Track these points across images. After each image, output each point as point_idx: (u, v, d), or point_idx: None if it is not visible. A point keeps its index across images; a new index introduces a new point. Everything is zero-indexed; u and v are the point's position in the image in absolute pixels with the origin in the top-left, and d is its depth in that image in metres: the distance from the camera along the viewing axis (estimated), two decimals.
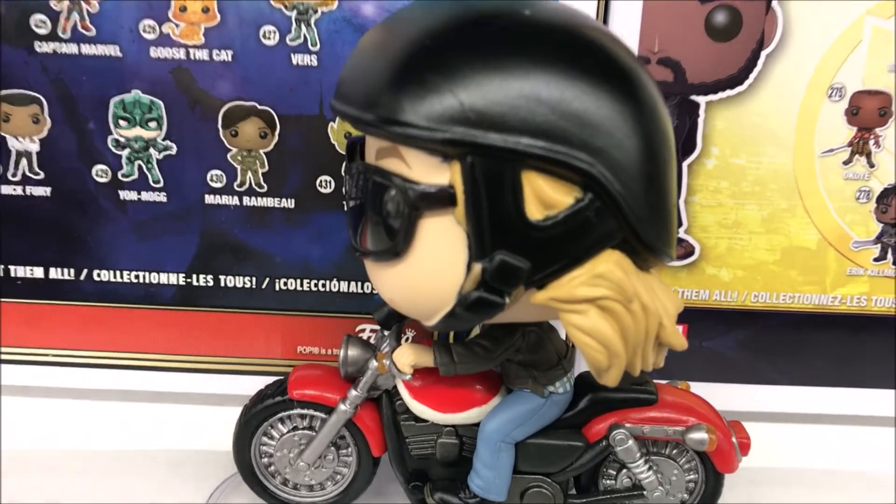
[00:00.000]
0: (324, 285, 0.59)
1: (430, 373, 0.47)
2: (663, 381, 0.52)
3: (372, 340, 0.59)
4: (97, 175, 0.56)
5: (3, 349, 0.59)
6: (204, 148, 0.56)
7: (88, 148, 0.56)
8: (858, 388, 0.62)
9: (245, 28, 0.54)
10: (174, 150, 0.56)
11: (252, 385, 0.59)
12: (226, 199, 0.57)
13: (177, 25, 0.53)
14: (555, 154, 0.35)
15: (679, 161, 0.56)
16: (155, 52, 0.54)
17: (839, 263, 0.59)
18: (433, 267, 0.38)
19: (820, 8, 0.54)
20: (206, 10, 0.53)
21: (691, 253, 0.59)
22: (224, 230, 0.57)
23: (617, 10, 0.55)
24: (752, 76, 0.55)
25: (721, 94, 0.56)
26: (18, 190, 0.56)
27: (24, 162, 0.56)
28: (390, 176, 0.37)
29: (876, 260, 0.59)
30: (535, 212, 0.36)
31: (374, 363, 0.48)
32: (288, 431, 0.51)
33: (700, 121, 0.56)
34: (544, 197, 0.36)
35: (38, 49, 0.54)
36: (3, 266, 0.58)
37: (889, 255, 0.59)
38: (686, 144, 0.57)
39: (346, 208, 0.44)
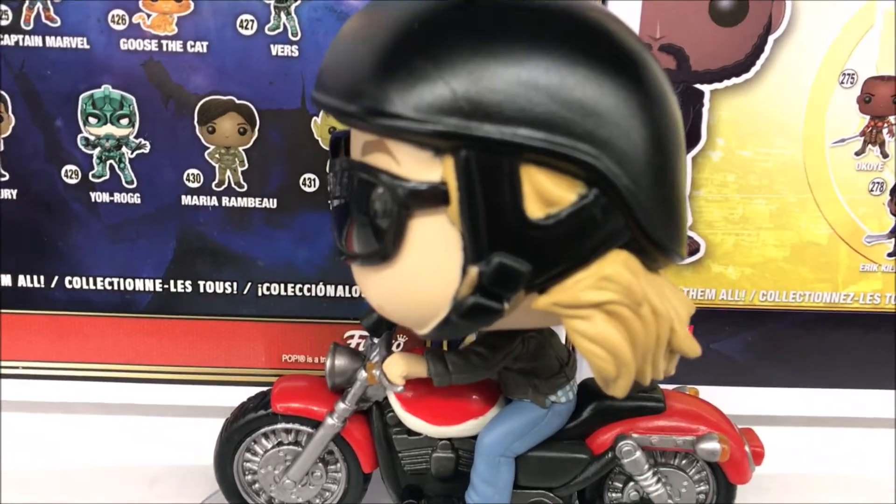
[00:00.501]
0: (309, 290, 0.56)
1: (424, 383, 0.44)
2: (670, 387, 0.49)
3: (361, 348, 0.57)
4: (66, 176, 0.53)
5: None
6: (179, 146, 0.53)
7: (56, 147, 0.53)
8: (871, 390, 0.59)
9: (220, 17, 0.51)
10: (148, 149, 0.53)
11: (233, 396, 0.56)
12: (203, 200, 0.54)
13: (148, 15, 0.50)
14: (556, 146, 0.32)
15: None
16: (125, 44, 0.51)
17: (851, 259, 0.57)
18: (425, 271, 0.35)
19: None
20: None
21: (697, 250, 0.56)
22: (202, 233, 0.54)
23: None
24: (759, 63, 0.53)
25: (727, 82, 0.53)
26: None
27: None
28: (377, 173, 0.34)
29: (890, 255, 0.56)
30: (535, 210, 0.33)
31: (363, 374, 0.45)
32: (272, 447, 0.48)
33: (705, 110, 0.54)
34: (545, 193, 0.33)
35: None
36: None
37: None
38: (690, 136, 0.54)
39: (330, 208, 0.41)
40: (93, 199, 0.53)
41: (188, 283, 0.55)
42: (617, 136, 0.33)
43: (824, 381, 0.59)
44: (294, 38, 0.51)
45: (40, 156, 0.53)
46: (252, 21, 0.51)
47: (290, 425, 0.47)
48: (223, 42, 0.51)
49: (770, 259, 0.57)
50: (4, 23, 0.50)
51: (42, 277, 0.55)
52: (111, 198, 0.53)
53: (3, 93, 0.51)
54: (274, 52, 0.51)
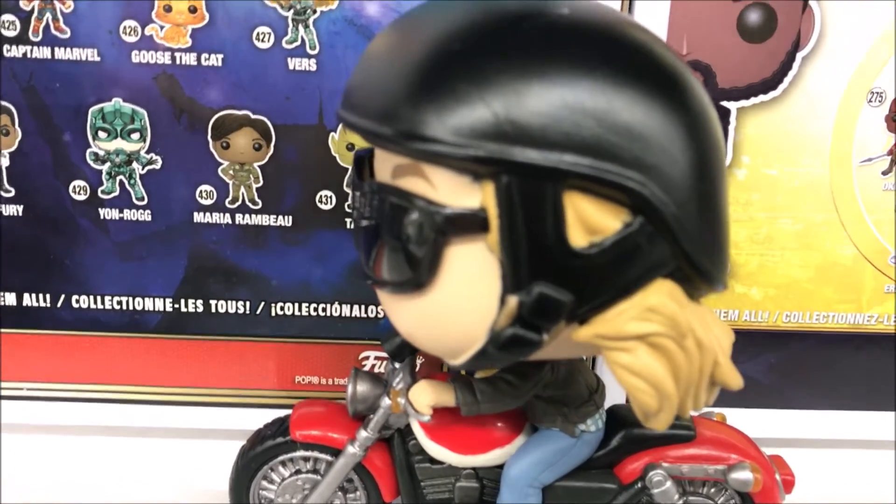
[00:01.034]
0: (324, 309, 0.54)
1: (448, 410, 0.42)
2: (695, 412, 0.48)
3: (376, 368, 0.55)
4: (74, 192, 0.51)
5: None
6: (192, 161, 0.51)
7: (64, 162, 0.51)
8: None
9: (236, 29, 0.49)
10: (159, 164, 0.51)
11: (245, 419, 0.55)
12: (216, 217, 0.52)
13: (161, 27, 0.49)
14: (603, 173, 0.31)
15: None
16: (137, 57, 0.49)
17: (876, 280, 0.56)
18: (461, 300, 0.34)
19: (859, 7, 0.50)
20: (193, 10, 0.49)
21: None
22: (215, 251, 0.53)
23: (642, 10, 0.50)
24: (786, 80, 0.52)
25: (753, 100, 0.52)
26: None
27: None
28: (412, 198, 0.33)
29: None
30: (578, 238, 0.32)
31: (386, 401, 0.43)
32: (290, 475, 0.46)
33: (731, 128, 0.52)
34: (589, 221, 0.32)
35: (5, 53, 0.49)
36: None
37: None
38: None
39: (353, 227, 0.40)
40: (101, 216, 0.52)
41: (199, 302, 0.54)
42: (664, 162, 0.32)
43: (848, 404, 0.58)
44: (312, 52, 0.49)
45: (48, 171, 0.51)
46: (269, 34, 0.49)
47: (308, 453, 0.45)
48: (238, 55, 0.49)
49: (794, 280, 0.55)
50: (12, 34, 0.48)
51: (48, 296, 0.53)
52: (121, 214, 0.52)
53: (9, 106, 0.50)
54: (291, 66, 0.50)
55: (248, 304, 0.54)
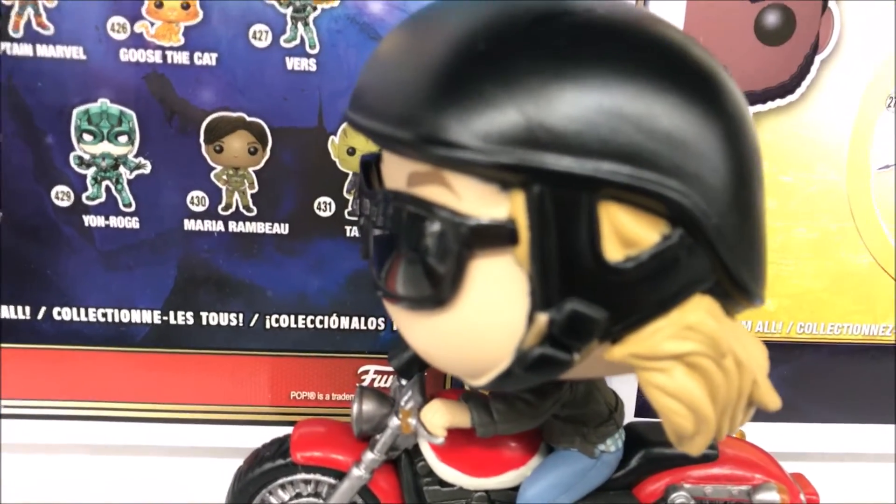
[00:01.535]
0: (321, 322, 0.52)
1: (459, 430, 0.40)
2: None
3: (382, 383, 0.53)
4: (57, 198, 0.49)
5: None
6: (183, 166, 0.49)
7: (47, 166, 0.48)
8: None
9: (231, 27, 0.47)
10: (148, 169, 0.49)
11: (238, 437, 0.53)
12: (209, 225, 0.50)
13: (151, 24, 0.46)
14: (643, 182, 0.29)
15: None
16: (125, 55, 0.47)
17: (891, 290, 0.54)
18: (485, 318, 0.32)
19: (879, 8, 0.49)
20: (185, 7, 0.46)
21: None
22: (206, 260, 0.50)
23: (657, 10, 0.49)
24: (804, 84, 0.50)
25: (770, 104, 0.50)
26: None
27: None
28: (432, 207, 0.31)
29: None
30: (613, 252, 0.30)
31: (395, 421, 0.41)
32: (290, 499, 0.44)
33: None
34: (625, 234, 0.30)
35: None
36: None
37: None
38: None
39: (361, 236, 0.38)
40: (86, 224, 0.49)
41: (189, 314, 0.51)
42: (705, 170, 0.30)
43: (863, 417, 0.57)
44: (312, 51, 0.47)
45: (28, 175, 0.48)
46: (266, 32, 0.47)
47: (310, 476, 0.43)
48: (234, 54, 0.47)
49: (808, 290, 0.54)
50: None
51: (28, 308, 0.50)
52: (106, 222, 0.49)
53: None
54: (289, 66, 0.47)
55: (241, 316, 0.51)
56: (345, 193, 0.50)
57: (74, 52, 0.46)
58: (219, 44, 0.47)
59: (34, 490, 0.53)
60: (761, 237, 0.33)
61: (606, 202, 0.29)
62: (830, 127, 0.51)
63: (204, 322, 0.51)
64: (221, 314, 0.51)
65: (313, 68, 0.48)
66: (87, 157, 0.48)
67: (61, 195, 0.49)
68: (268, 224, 0.50)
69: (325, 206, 0.50)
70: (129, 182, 0.49)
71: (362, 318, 0.52)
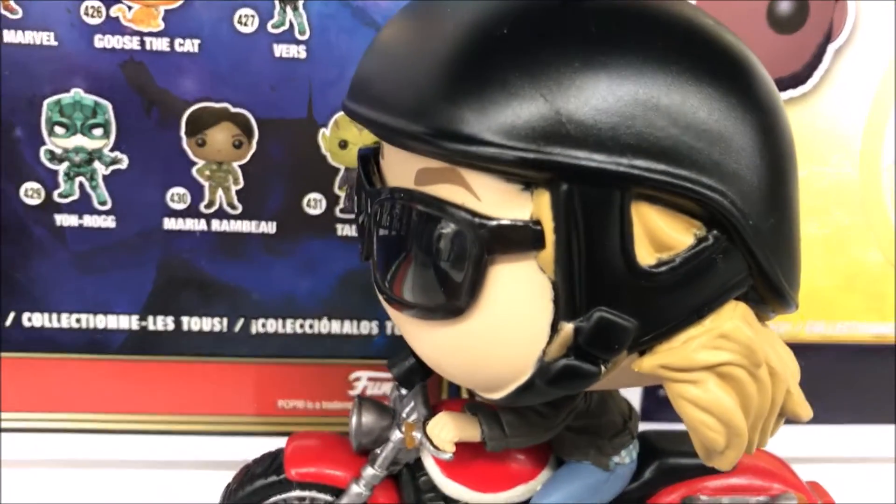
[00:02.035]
0: (311, 326, 0.50)
1: (465, 443, 0.38)
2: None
3: (375, 390, 0.51)
4: (27, 195, 0.46)
5: None
6: (163, 161, 0.47)
7: (15, 161, 0.46)
8: None
9: (215, 11, 0.45)
10: (125, 164, 0.46)
11: (222, 449, 0.51)
12: (190, 224, 0.48)
13: (129, 7, 0.44)
14: (680, 181, 0.27)
15: None
16: (100, 41, 0.44)
17: None
18: (505, 328, 0.30)
19: None
20: None
21: None
22: (188, 261, 0.48)
23: None
24: (817, 74, 0.49)
25: (782, 95, 0.49)
26: None
27: None
28: (447, 207, 0.29)
29: None
30: (645, 255, 0.28)
31: (397, 434, 0.39)
32: None
33: None
34: (659, 236, 0.28)
35: None
36: None
37: None
38: None
39: (361, 235, 0.36)
40: (58, 223, 0.47)
41: (170, 319, 0.49)
42: (743, 167, 0.28)
43: (871, 418, 0.56)
44: (301, 38, 0.45)
45: None
46: (252, 17, 0.45)
47: (305, 493, 0.41)
48: (218, 40, 0.45)
49: (819, 288, 0.53)
50: None
51: None
52: (80, 221, 0.47)
53: None
54: (277, 53, 0.45)
55: (225, 320, 0.49)
56: (336, 189, 0.48)
57: (45, 38, 0.44)
58: (201, 29, 0.45)
59: None
60: (797, 238, 0.32)
61: (638, 202, 0.28)
62: (844, 118, 0.50)
63: (185, 327, 0.49)
64: (204, 319, 0.49)
65: (303, 55, 0.45)
66: (58, 151, 0.46)
67: (31, 192, 0.46)
68: (254, 222, 0.48)
69: (314, 204, 0.48)
70: (105, 178, 0.46)
71: (354, 322, 0.50)
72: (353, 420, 0.40)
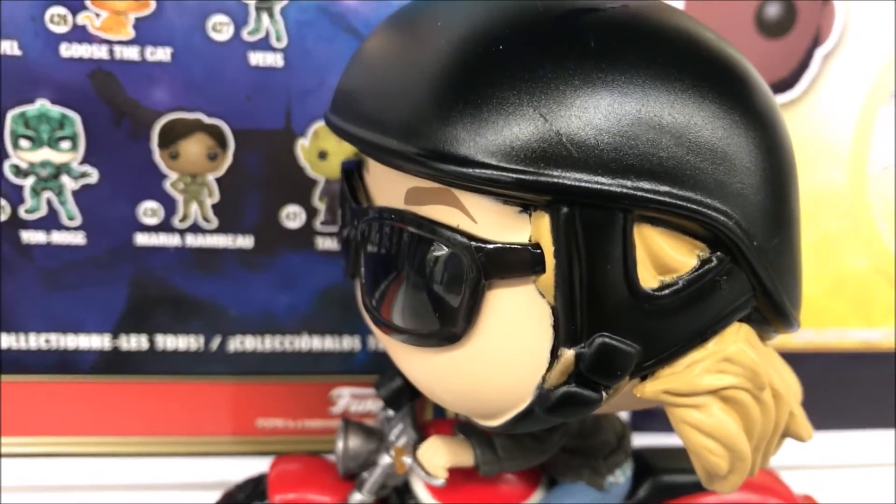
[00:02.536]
0: (291, 342, 0.48)
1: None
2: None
3: (357, 408, 0.50)
4: None
5: None
6: (134, 174, 0.45)
7: None
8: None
9: (188, 18, 0.43)
10: (94, 178, 0.45)
11: (199, 470, 0.50)
12: (164, 239, 0.46)
13: (97, 15, 0.42)
14: (684, 201, 0.26)
15: None
16: (67, 50, 0.43)
17: (887, 294, 0.53)
18: (503, 355, 0.29)
19: (884, 2, 0.48)
20: None
21: None
22: (162, 278, 0.47)
23: None
24: (805, 80, 0.48)
25: None
26: None
27: None
28: (442, 230, 0.28)
29: None
30: (647, 278, 0.28)
31: (385, 459, 0.38)
32: None
33: None
34: (662, 259, 0.28)
35: None
36: None
37: None
38: None
39: (346, 251, 0.35)
40: (24, 240, 0.45)
41: (143, 338, 0.47)
42: (748, 187, 0.28)
43: (859, 423, 0.56)
44: (278, 45, 0.44)
45: None
46: (227, 24, 0.43)
47: None
48: (191, 49, 0.43)
49: (808, 295, 0.52)
50: None
51: None
52: (48, 238, 0.45)
53: None
54: (253, 62, 0.44)
55: (201, 338, 0.48)
56: (316, 202, 0.46)
57: (8, 47, 0.42)
58: (173, 37, 0.43)
59: None
60: (800, 256, 0.31)
61: (641, 224, 0.27)
62: (832, 124, 0.49)
63: (160, 346, 0.48)
64: (179, 337, 0.48)
65: (280, 64, 0.44)
66: (24, 165, 0.44)
67: None
68: (230, 237, 0.46)
69: (293, 217, 0.46)
70: (74, 193, 0.45)
71: (335, 337, 0.49)
72: (340, 444, 0.39)
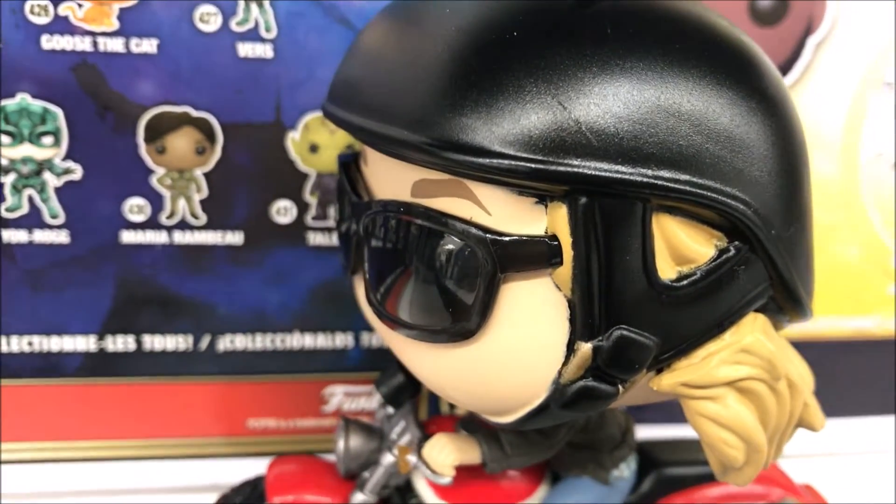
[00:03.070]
0: (282, 341, 0.48)
1: None
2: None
3: (350, 406, 0.49)
4: None
5: None
6: (119, 170, 0.44)
7: None
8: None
9: (174, 9, 0.42)
10: (78, 174, 0.43)
11: (190, 473, 0.49)
12: (150, 237, 0.45)
13: (79, 6, 0.41)
14: (704, 190, 0.26)
15: None
16: (49, 43, 0.41)
17: (880, 281, 0.54)
18: (518, 351, 0.28)
19: None
20: None
21: None
22: (148, 277, 0.45)
23: None
24: (797, 68, 0.48)
25: None
26: None
27: None
28: (455, 223, 0.27)
29: None
30: (666, 269, 0.27)
31: (388, 458, 0.37)
32: None
33: None
34: (680, 249, 0.27)
35: None
36: None
37: None
38: None
39: (345, 246, 0.34)
40: (5, 240, 0.43)
41: (130, 338, 0.46)
42: (765, 175, 0.28)
43: (849, 410, 0.56)
44: (268, 36, 0.43)
45: None
46: (214, 14, 0.42)
47: None
48: (177, 40, 0.42)
49: None
50: None
51: None
52: (30, 237, 0.44)
53: None
54: (242, 53, 0.43)
55: (190, 338, 0.47)
56: (307, 196, 0.45)
57: None
58: (159, 28, 0.42)
59: None
60: (812, 245, 0.31)
61: (659, 214, 0.27)
62: (824, 114, 0.50)
63: (147, 347, 0.46)
64: (167, 337, 0.46)
65: (269, 55, 0.43)
66: (4, 162, 0.42)
67: None
68: (219, 233, 0.45)
69: (283, 212, 0.46)
70: (57, 190, 0.43)
71: (328, 335, 0.48)
72: (341, 444, 0.38)
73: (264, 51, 0.43)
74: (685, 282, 0.27)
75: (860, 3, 0.48)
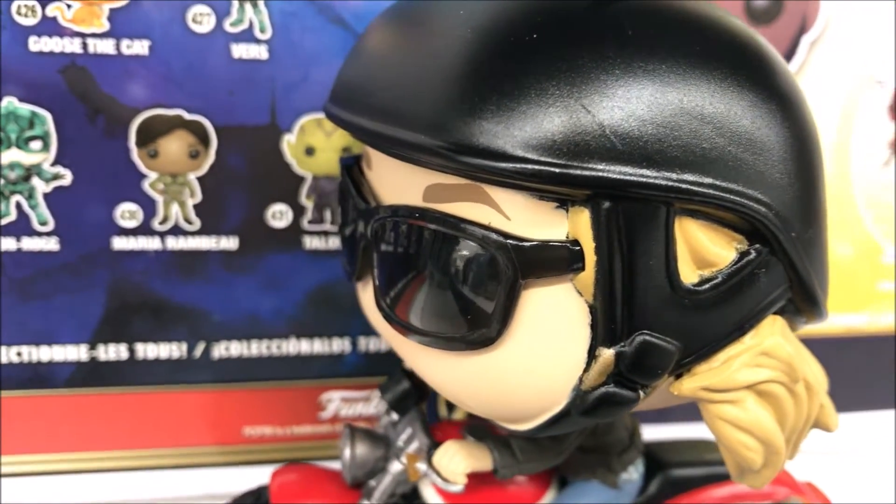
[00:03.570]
0: (278, 347, 0.47)
1: None
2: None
3: (347, 411, 0.49)
4: None
5: None
6: (111, 175, 0.43)
7: None
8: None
9: (166, 9, 0.41)
10: (68, 180, 0.42)
11: (185, 483, 0.48)
12: (142, 243, 0.44)
13: (68, 6, 0.40)
14: (727, 193, 0.26)
15: None
16: (37, 44, 0.40)
17: (870, 278, 0.54)
18: (539, 358, 0.28)
19: None
20: None
21: None
22: (141, 284, 0.45)
23: None
24: (791, 66, 0.49)
25: None
26: None
27: None
28: (474, 229, 0.27)
29: None
30: (687, 273, 0.27)
31: (396, 466, 0.37)
32: None
33: None
34: (702, 253, 0.27)
35: None
36: None
37: None
38: None
39: (350, 252, 0.34)
40: None
41: (123, 347, 0.45)
42: (785, 177, 0.28)
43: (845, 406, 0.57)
44: (262, 37, 0.42)
45: None
46: (208, 15, 0.41)
47: None
48: (169, 41, 0.41)
49: None
50: None
51: None
52: (18, 244, 0.43)
53: None
54: (236, 54, 0.42)
55: (184, 345, 0.46)
56: (303, 200, 0.45)
57: None
58: (151, 29, 0.41)
59: None
60: (827, 245, 0.31)
61: (681, 217, 0.26)
62: (819, 112, 0.49)
63: (140, 355, 0.45)
64: (161, 345, 0.45)
65: (264, 56, 0.42)
66: None
67: None
68: (213, 238, 0.45)
69: (279, 216, 0.45)
70: (45, 196, 0.42)
71: (325, 340, 0.47)
72: (347, 452, 0.38)
73: (259, 52, 0.42)
74: (707, 286, 0.27)
75: (853, 3, 0.48)
